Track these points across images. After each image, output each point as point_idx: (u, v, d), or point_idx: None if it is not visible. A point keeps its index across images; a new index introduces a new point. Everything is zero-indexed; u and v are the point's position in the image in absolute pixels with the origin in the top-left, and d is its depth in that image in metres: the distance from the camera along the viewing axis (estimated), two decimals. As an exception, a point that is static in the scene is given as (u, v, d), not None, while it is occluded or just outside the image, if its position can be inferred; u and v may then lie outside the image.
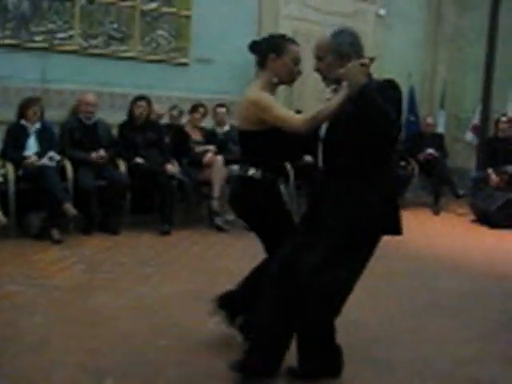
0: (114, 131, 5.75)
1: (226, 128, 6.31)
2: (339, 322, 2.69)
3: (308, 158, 6.57)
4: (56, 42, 5.87)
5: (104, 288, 3.74)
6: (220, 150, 5.95)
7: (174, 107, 6.23)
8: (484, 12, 8.29)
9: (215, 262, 4.59)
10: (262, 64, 2.73)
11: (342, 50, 2.52)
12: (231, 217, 5.99)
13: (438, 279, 4.39)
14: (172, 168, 5.51)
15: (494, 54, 8.17)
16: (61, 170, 5.11)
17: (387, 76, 2.56)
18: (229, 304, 2.99)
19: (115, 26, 6.26)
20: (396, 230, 2.56)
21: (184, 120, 6.24)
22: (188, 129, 6.07)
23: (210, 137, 6.12)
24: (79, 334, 2.96)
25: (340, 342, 2.66)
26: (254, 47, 2.79)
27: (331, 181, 2.50)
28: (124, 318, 3.24)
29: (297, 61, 2.76)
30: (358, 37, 2.62)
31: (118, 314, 3.28)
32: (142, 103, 5.66)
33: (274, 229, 2.82)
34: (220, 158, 5.78)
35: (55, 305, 3.39)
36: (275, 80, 2.73)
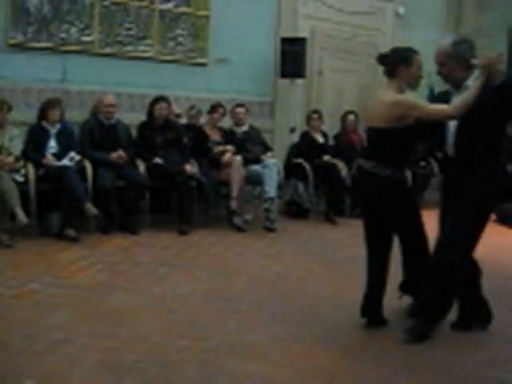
0: (133, 132, 5.78)
1: (245, 128, 6.31)
2: (355, 321, 2.63)
3: (327, 158, 6.56)
4: (76, 43, 5.92)
5: (123, 287, 3.75)
6: (239, 149, 5.94)
7: (192, 107, 6.25)
8: (504, 11, 8.20)
9: (234, 262, 4.58)
10: (391, 73, 3.18)
11: (461, 56, 3.01)
12: (250, 217, 6.02)
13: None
14: (191, 168, 5.51)
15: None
16: (81, 170, 5.15)
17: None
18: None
19: (134, 26, 6.31)
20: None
21: (203, 120, 6.25)
22: (207, 129, 6.08)
23: (228, 137, 6.11)
24: (99, 333, 2.98)
25: (357, 343, 2.63)
26: (383, 60, 3.24)
27: (466, 167, 3.03)
28: (143, 317, 3.25)
29: (420, 69, 3.20)
30: (471, 42, 3.11)
31: (137, 314, 3.29)
32: (162, 104, 5.67)
33: (407, 220, 3.28)
34: (239, 157, 5.77)
35: (75, 303, 3.41)
36: (405, 86, 3.18)
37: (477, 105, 2.84)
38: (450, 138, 3.09)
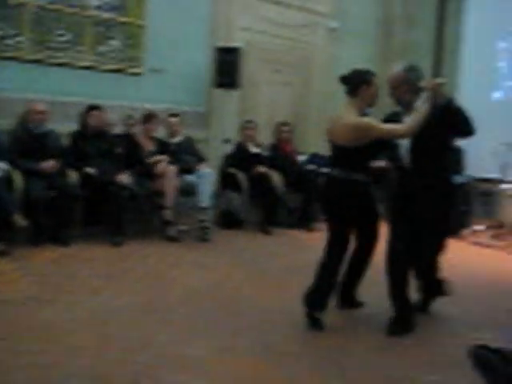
0: (67, 141, 5.66)
1: (179, 138, 6.30)
2: (289, 330, 2.68)
3: (262, 168, 6.64)
4: (6, 49, 5.76)
5: (55, 301, 3.67)
6: (173, 160, 5.93)
7: (129, 117, 6.19)
8: (430, 27, 8.56)
9: (168, 273, 4.56)
10: (353, 93, 3.49)
11: (411, 81, 3.44)
12: (184, 227, 6.01)
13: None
14: (124, 178, 5.45)
15: (440, 66, 8.44)
16: (9, 180, 5.00)
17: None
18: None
19: (67, 33, 6.20)
20: None
21: (137, 130, 6.19)
22: (140, 139, 6.03)
23: (162, 147, 6.09)
24: (29, 350, 2.90)
25: (294, 350, 2.67)
26: (346, 80, 3.54)
27: (420, 179, 3.44)
28: (75, 331, 3.19)
29: (378, 89, 3.54)
30: (420, 69, 3.57)
31: (69, 328, 3.23)
32: (95, 113, 5.60)
33: (365, 219, 3.69)
34: (173, 168, 5.76)
35: (4, 319, 3.31)
36: (365, 105, 3.50)
37: (426, 123, 3.27)
38: (405, 153, 3.49)
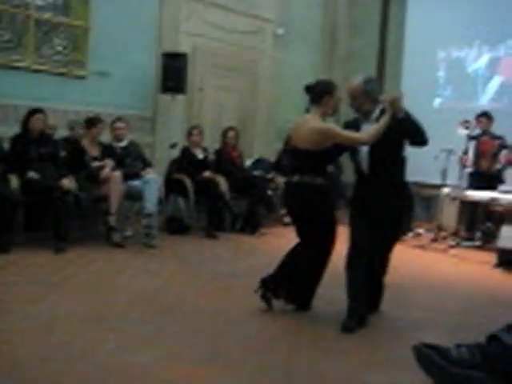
0: (7, 144, 5.51)
1: (125, 143, 6.23)
2: (236, 336, 2.68)
3: (208, 173, 6.64)
4: None
5: (-6, 310, 3.57)
6: (118, 165, 5.85)
7: (73, 121, 6.08)
8: (373, 37, 8.78)
9: (113, 279, 4.50)
10: (317, 101, 3.75)
11: (370, 92, 3.69)
12: (129, 233, 5.95)
13: (333, 289, 4.55)
14: (68, 183, 5.34)
15: (383, 74, 8.66)
16: None
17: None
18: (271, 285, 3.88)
19: (7, 33, 6.04)
20: None
21: (81, 134, 6.07)
22: (85, 143, 5.92)
23: (107, 152, 5.99)
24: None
25: (240, 356, 2.67)
26: (310, 89, 3.80)
27: (378, 182, 3.68)
28: (15, 341, 3.10)
29: (339, 99, 3.84)
30: (377, 81, 4.00)
31: (8, 338, 3.14)
32: (38, 116, 5.46)
33: (325, 222, 3.81)
34: (118, 173, 5.69)
35: None
36: (326, 113, 3.78)
37: (385, 133, 3.55)
38: (364, 159, 3.72)
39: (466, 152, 7.06)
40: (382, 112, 3.65)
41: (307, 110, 3.90)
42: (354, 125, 3.81)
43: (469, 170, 7.01)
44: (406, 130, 3.62)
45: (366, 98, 3.71)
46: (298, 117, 4.07)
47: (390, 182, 3.74)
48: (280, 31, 8.80)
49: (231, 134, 7.23)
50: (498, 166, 6.82)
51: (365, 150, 3.71)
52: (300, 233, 3.90)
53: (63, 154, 5.69)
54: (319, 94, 3.76)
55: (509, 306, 4.29)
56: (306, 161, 3.73)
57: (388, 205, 3.70)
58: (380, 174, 3.72)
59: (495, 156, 6.81)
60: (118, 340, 3.20)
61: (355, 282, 3.68)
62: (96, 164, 5.76)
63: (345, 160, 8.65)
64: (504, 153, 6.78)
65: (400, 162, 3.81)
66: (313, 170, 3.71)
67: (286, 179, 3.98)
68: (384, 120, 3.57)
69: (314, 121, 3.71)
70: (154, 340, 3.26)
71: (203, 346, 3.21)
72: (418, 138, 3.67)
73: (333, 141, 3.67)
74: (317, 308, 4.01)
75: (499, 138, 6.92)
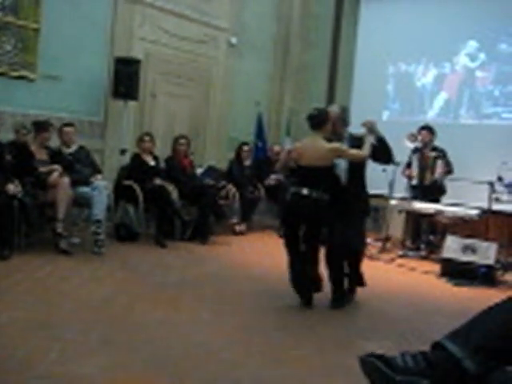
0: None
1: (74, 148, 6.12)
2: (184, 344, 2.68)
3: (158, 181, 6.58)
4: None
5: None
6: (67, 170, 5.73)
7: (20, 124, 5.92)
8: (325, 50, 8.93)
9: (59, 287, 4.40)
10: (319, 127, 4.48)
11: (344, 118, 4.65)
12: (77, 240, 5.84)
13: (283, 299, 4.58)
14: (13, 188, 5.20)
15: (334, 87, 8.80)
16: None
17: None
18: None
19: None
20: None
21: (29, 138, 5.91)
22: (33, 147, 5.77)
23: (55, 157, 5.87)
24: None
25: (188, 365, 2.68)
26: (312, 118, 4.50)
27: (353, 192, 4.55)
28: (-45, 350, 3.00)
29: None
30: (349, 110, 4.89)
31: None
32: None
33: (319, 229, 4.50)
34: (66, 179, 5.57)
35: None
36: (326, 136, 4.50)
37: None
38: (343, 172, 4.51)
39: (409, 165, 7.24)
40: (351, 136, 4.63)
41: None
42: (357, 143, 4.60)
43: (414, 182, 7.18)
44: (378, 150, 4.50)
45: (342, 124, 4.61)
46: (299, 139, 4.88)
47: (362, 192, 4.69)
48: (234, 40, 8.84)
49: (182, 141, 7.20)
50: (436, 177, 6.99)
51: (343, 165, 4.49)
52: (295, 235, 4.53)
53: (9, 157, 5.54)
54: (320, 122, 4.48)
55: (452, 314, 4.40)
56: (316, 178, 4.42)
57: (359, 208, 4.64)
58: (354, 185, 4.57)
59: (433, 167, 6.99)
60: (63, 349, 3.14)
61: (337, 270, 4.62)
62: (44, 169, 5.63)
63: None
64: (439, 163, 6.96)
65: (364, 176, 4.71)
66: (319, 186, 4.38)
67: (294, 190, 4.46)
68: (369, 141, 4.46)
69: (321, 143, 4.44)
70: (99, 349, 3.20)
71: (150, 356, 3.17)
72: (387, 157, 4.63)
73: (342, 156, 4.43)
74: (267, 318, 4.03)
75: (437, 149, 7.12)
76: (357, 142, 4.54)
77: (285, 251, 4.59)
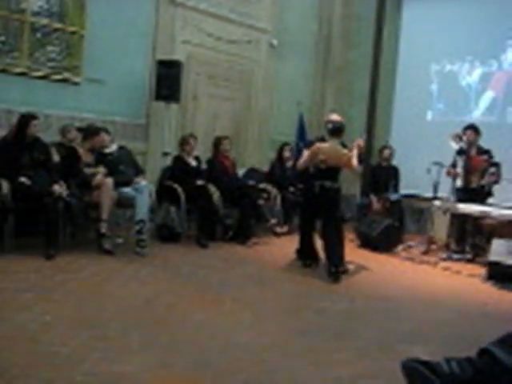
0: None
1: (113, 148, 6.21)
2: (225, 345, 2.71)
3: (200, 182, 6.62)
4: None
5: (-18, 316, 3.53)
6: (110, 171, 5.82)
7: (66, 127, 6.06)
8: (368, 49, 8.83)
9: (103, 287, 4.47)
10: (339, 135, 5.60)
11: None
12: (120, 240, 5.92)
13: (324, 301, 4.55)
14: (59, 189, 5.31)
15: (377, 87, 8.69)
16: None
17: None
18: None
19: (2, 38, 6.02)
20: None
21: (77, 141, 6.00)
22: (81, 151, 5.86)
23: (100, 158, 5.97)
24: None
25: (229, 366, 2.67)
26: (338, 128, 5.59)
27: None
28: (4, 348, 3.07)
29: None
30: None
31: (-4, 344, 3.11)
32: (34, 122, 5.42)
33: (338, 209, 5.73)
34: (110, 180, 5.66)
35: None
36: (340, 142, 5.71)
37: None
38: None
39: (454, 165, 7.07)
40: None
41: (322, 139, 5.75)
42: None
43: (458, 183, 7.02)
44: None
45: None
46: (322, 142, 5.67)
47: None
48: (275, 42, 8.83)
49: (224, 142, 7.22)
50: (483, 183, 6.83)
51: None
52: (316, 217, 5.80)
53: (56, 159, 5.67)
54: (341, 131, 5.62)
55: (499, 319, 4.29)
56: (334, 173, 5.60)
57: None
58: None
59: (484, 172, 6.82)
60: (106, 348, 3.18)
61: (337, 246, 5.50)
62: (89, 171, 5.73)
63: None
64: (491, 170, 6.78)
65: None
66: (336, 179, 5.61)
67: (319, 183, 5.51)
68: (356, 155, 5.55)
69: (339, 147, 5.60)
70: (141, 349, 3.24)
71: (191, 356, 3.19)
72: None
73: (347, 163, 5.54)
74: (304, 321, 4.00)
75: (486, 152, 6.94)
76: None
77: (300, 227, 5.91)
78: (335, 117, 5.85)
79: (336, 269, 5.32)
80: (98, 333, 3.42)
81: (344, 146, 5.72)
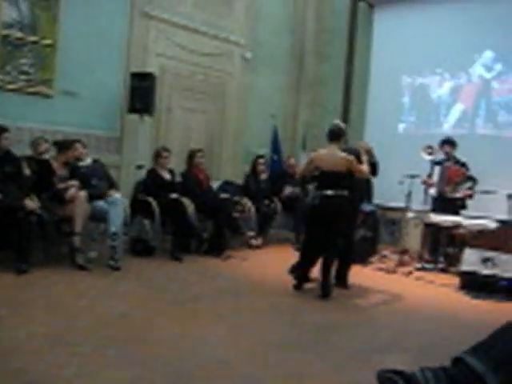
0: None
1: (88, 161, 6.16)
2: (201, 360, 2.69)
3: (174, 195, 6.60)
4: None
5: (-49, 333, 3.46)
6: (83, 185, 5.77)
7: (39, 139, 5.99)
8: (340, 62, 8.93)
9: (76, 302, 4.40)
10: (337, 139, 5.31)
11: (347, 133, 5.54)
12: (94, 254, 5.85)
13: (299, 313, 4.56)
14: (31, 203, 5.24)
15: (349, 99, 8.79)
16: None
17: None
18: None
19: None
20: None
21: (49, 154, 5.93)
22: (54, 164, 5.79)
23: (73, 172, 5.91)
24: None
25: (205, 380, 2.66)
26: (334, 132, 5.34)
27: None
28: (-27, 365, 3.01)
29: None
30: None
31: (-34, 362, 3.04)
32: (5, 135, 5.34)
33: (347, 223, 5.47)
34: (83, 193, 5.61)
35: None
36: (341, 148, 5.35)
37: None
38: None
39: (430, 176, 7.19)
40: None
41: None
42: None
43: (433, 193, 7.12)
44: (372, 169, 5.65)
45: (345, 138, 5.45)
46: (318, 148, 5.60)
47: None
48: (248, 55, 8.89)
49: (198, 155, 7.22)
50: (458, 195, 6.95)
51: None
52: (322, 232, 5.25)
53: (27, 173, 5.59)
54: (340, 135, 5.34)
55: (472, 328, 4.33)
56: (338, 180, 5.19)
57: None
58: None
59: (459, 184, 6.94)
60: (80, 364, 3.13)
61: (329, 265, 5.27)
62: (62, 185, 5.66)
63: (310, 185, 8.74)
64: (468, 185, 6.91)
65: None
66: (342, 186, 5.18)
67: (321, 193, 5.22)
68: (366, 161, 5.40)
69: (337, 152, 5.27)
70: (116, 365, 3.19)
71: (167, 371, 3.16)
72: (375, 171, 5.79)
73: (351, 168, 5.21)
74: (281, 334, 3.99)
75: (463, 164, 7.07)
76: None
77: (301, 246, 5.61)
78: (337, 122, 5.66)
79: (321, 292, 5.14)
80: (72, 349, 3.36)
81: (354, 152, 5.43)
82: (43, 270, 5.21)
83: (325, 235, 5.23)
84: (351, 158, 5.24)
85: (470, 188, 6.92)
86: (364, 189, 5.94)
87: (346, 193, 5.19)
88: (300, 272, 5.40)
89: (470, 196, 6.98)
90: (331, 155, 5.27)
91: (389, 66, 8.93)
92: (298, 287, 5.33)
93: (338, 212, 5.22)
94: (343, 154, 5.25)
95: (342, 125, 5.57)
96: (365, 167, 5.37)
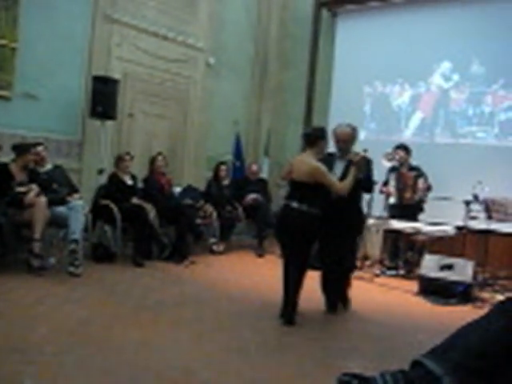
0: None
1: (48, 167, 6.06)
2: (162, 367, 2.66)
3: (135, 200, 6.54)
4: None
5: None
6: (43, 190, 5.66)
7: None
8: (303, 69, 9.01)
9: (34, 309, 4.31)
10: (312, 144, 4.57)
11: (355, 138, 4.96)
12: (53, 260, 5.75)
13: (260, 319, 4.56)
14: (-12, 208, 5.13)
15: (312, 107, 8.87)
16: None
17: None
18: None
19: None
20: None
21: (7, 158, 5.81)
22: (13, 168, 5.65)
23: (33, 177, 5.80)
24: None
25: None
26: (307, 135, 4.69)
27: (348, 210, 4.83)
28: None
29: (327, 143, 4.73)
30: (357, 129, 5.10)
31: None
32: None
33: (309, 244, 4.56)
34: (43, 198, 5.50)
35: None
36: (320, 153, 4.64)
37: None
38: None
39: (386, 183, 7.31)
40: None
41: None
42: (328, 160, 4.78)
43: (392, 200, 7.24)
44: (365, 184, 4.86)
45: (352, 143, 4.90)
46: (295, 154, 5.17)
47: (359, 212, 5.15)
48: (212, 60, 8.89)
49: (160, 160, 7.18)
50: (417, 197, 7.08)
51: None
52: (287, 252, 4.60)
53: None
54: (314, 138, 4.59)
55: (431, 332, 4.41)
56: (307, 192, 4.45)
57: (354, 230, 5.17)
58: (352, 205, 4.95)
59: (414, 187, 7.07)
60: (36, 373, 3.06)
61: (336, 282, 5.09)
62: (21, 189, 5.54)
63: (273, 190, 8.77)
64: (421, 181, 7.06)
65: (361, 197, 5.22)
66: (310, 201, 4.42)
67: (285, 203, 4.57)
68: (351, 177, 4.54)
69: (309, 159, 4.50)
70: (75, 372, 3.14)
71: (127, 378, 3.12)
72: (368, 189, 5.10)
73: (319, 180, 4.43)
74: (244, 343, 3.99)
75: (415, 168, 7.21)
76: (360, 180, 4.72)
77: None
78: (344, 128, 4.93)
79: (284, 318, 4.50)
80: (29, 357, 3.29)
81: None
82: (0, 276, 5.09)
83: (289, 252, 4.59)
84: (321, 168, 4.45)
85: (423, 182, 7.06)
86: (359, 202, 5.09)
87: (312, 209, 4.41)
88: (290, 309, 4.51)
89: (429, 188, 7.11)
90: (301, 162, 4.55)
91: (351, 75, 9.06)
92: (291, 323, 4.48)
93: (295, 229, 4.45)
94: (312, 163, 4.47)
95: (348, 128, 4.92)
96: (345, 182, 4.55)
